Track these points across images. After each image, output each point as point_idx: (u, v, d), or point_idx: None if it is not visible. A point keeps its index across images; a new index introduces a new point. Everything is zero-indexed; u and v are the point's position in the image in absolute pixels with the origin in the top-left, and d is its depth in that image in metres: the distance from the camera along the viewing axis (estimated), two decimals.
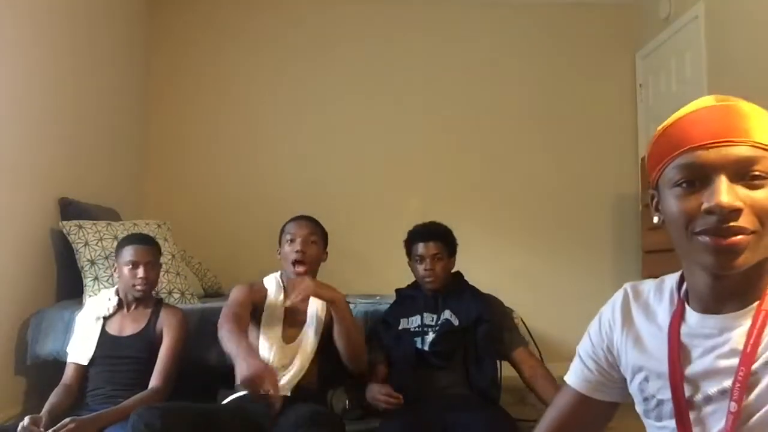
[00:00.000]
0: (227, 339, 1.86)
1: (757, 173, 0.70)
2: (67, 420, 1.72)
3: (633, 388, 0.89)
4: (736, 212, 0.69)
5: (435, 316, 2.13)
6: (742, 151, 0.71)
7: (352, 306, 2.24)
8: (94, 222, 2.70)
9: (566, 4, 4.19)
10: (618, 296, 0.92)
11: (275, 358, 1.97)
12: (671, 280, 0.87)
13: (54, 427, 1.69)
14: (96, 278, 2.55)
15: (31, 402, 2.46)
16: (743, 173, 0.71)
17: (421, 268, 2.15)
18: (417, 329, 2.12)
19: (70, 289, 2.66)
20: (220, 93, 4.05)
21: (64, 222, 2.66)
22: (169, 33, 4.07)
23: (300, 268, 2.06)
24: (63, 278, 2.74)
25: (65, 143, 2.94)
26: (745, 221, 0.69)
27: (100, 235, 2.64)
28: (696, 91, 3.44)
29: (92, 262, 2.57)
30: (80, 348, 2.06)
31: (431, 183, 4.05)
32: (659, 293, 0.88)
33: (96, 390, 2.00)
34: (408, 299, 2.25)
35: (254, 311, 2.07)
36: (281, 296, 2.09)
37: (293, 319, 2.07)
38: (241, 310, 2.01)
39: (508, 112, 4.15)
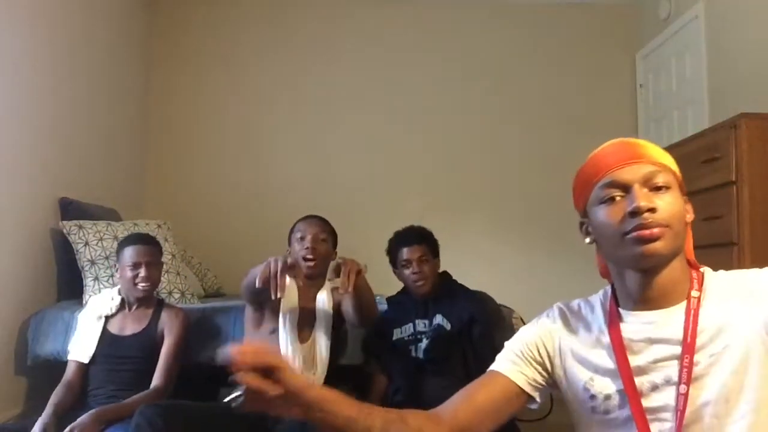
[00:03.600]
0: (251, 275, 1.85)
1: (660, 184, 0.92)
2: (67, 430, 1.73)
3: (577, 392, 0.98)
4: (651, 210, 0.89)
5: (427, 322, 2.11)
6: (647, 167, 0.93)
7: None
8: (94, 222, 2.70)
9: (566, 5, 4.19)
10: (554, 311, 1.07)
11: (298, 360, 1.95)
12: (596, 296, 1.05)
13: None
14: (96, 278, 2.55)
15: (31, 402, 2.46)
16: (650, 184, 0.92)
17: (408, 272, 2.14)
18: (410, 338, 2.11)
19: (70, 289, 2.66)
20: (221, 93, 4.06)
21: (64, 222, 2.65)
22: (169, 32, 4.07)
23: (310, 263, 2.04)
24: (63, 278, 2.74)
25: (65, 143, 2.94)
26: (658, 218, 0.89)
27: (100, 235, 2.63)
28: (696, 91, 3.45)
29: (92, 262, 2.57)
30: (81, 346, 2.06)
31: (431, 183, 4.05)
32: (588, 305, 1.05)
33: (97, 389, 2.01)
34: (399, 307, 2.23)
35: (264, 307, 2.03)
36: (295, 296, 2.07)
37: (304, 318, 2.05)
38: None
39: (508, 112, 4.15)
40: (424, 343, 2.07)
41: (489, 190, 4.10)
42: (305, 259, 2.04)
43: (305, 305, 2.07)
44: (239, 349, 0.77)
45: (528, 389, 1.01)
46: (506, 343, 1.07)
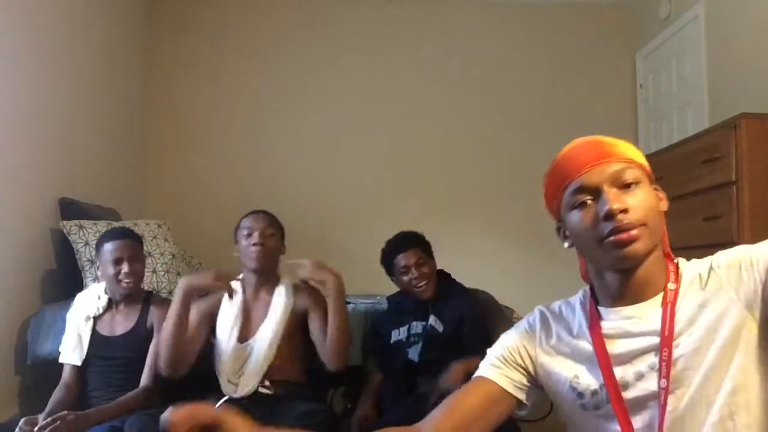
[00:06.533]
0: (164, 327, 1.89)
1: (629, 181, 0.90)
2: (65, 412, 1.72)
3: (564, 392, 0.98)
4: (624, 211, 0.87)
5: (423, 324, 2.10)
6: (613, 166, 0.91)
7: (351, 306, 2.22)
8: (95, 222, 2.69)
9: (566, 5, 4.19)
10: (535, 314, 1.07)
11: (228, 358, 1.93)
12: (576, 297, 1.05)
13: (52, 417, 1.69)
14: (96, 278, 2.54)
15: (30, 402, 2.45)
16: (620, 183, 0.90)
17: (408, 278, 2.12)
18: (406, 340, 2.10)
19: (70, 289, 2.64)
20: (221, 93, 4.06)
21: (65, 222, 2.65)
22: (169, 33, 4.07)
23: (260, 257, 1.98)
24: (63, 278, 2.73)
25: (65, 143, 2.94)
26: (632, 218, 0.87)
27: (100, 235, 2.63)
28: (696, 91, 3.44)
29: (92, 262, 2.56)
30: (72, 348, 2.03)
31: (431, 184, 4.05)
32: (569, 306, 1.05)
33: (95, 391, 2.00)
34: (398, 307, 2.23)
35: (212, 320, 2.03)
36: (239, 296, 2.02)
37: (253, 316, 2.01)
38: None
39: (508, 113, 4.15)
40: (419, 346, 2.06)
41: (488, 192, 4.09)
42: (254, 254, 1.98)
43: (254, 306, 2.02)
44: (174, 412, 0.78)
45: (513, 391, 1.01)
46: (488, 350, 1.06)
